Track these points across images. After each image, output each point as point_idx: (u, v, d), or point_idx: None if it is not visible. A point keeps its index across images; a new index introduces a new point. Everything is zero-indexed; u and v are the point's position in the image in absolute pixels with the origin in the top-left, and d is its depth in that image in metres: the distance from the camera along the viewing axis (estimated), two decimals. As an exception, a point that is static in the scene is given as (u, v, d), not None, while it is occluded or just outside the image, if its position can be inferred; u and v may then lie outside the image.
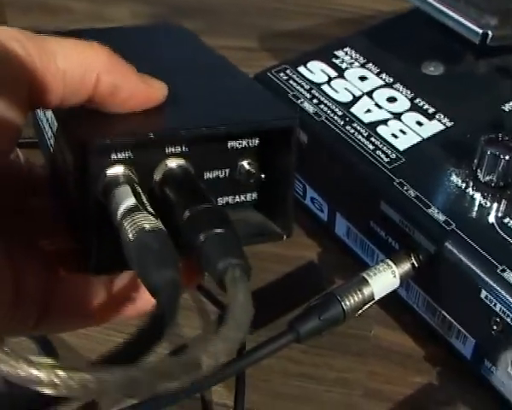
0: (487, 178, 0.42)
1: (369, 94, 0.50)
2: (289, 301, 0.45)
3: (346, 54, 0.53)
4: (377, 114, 0.48)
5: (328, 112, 0.48)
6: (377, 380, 0.43)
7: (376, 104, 0.49)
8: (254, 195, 0.31)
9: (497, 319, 0.38)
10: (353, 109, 0.48)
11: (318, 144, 0.47)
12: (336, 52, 0.53)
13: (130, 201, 0.26)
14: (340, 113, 0.48)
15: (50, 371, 0.18)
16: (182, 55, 0.36)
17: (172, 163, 0.28)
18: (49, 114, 0.31)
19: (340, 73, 0.51)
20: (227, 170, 0.30)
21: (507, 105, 0.49)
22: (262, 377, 0.43)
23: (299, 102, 0.49)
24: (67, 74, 0.26)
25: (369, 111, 0.48)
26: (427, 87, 0.50)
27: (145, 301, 0.30)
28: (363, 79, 0.51)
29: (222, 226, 0.25)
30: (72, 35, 0.27)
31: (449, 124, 0.47)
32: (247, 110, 0.30)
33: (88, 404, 0.26)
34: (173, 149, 0.28)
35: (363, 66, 0.52)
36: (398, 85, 0.50)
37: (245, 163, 0.30)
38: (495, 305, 0.38)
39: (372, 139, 0.46)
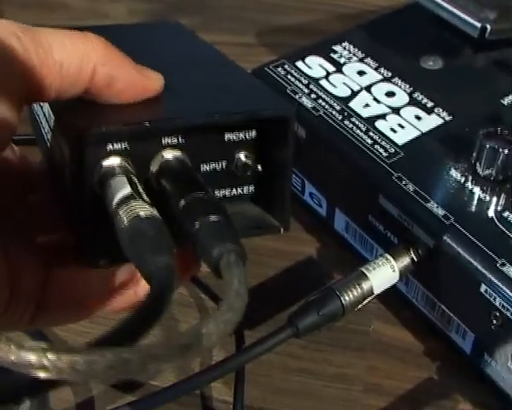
0: (486, 171, 0.42)
1: (368, 88, 0.49)
2: (288, 296, 0.45)
3: (345, 48, 0.53)
4: (376, 109, 0.48)
5: (327, 107, 0.48)
6: (377, 375, 0.43)
7: (375, 99, 0.49)
8: (251, 188, 0.31)
9: (497, 313, 0.38)
10: (352, 104, 0.48)
11: (317, 139, 0.47)
12: (334, 47, 0.53)
13: (126, 190, 0.25)
14: (338, 107, 0.48)
15: (40, 354, 0.18)
16: (179, 51, 0.36)
17: (169, 154, 0.28)
18: (46, 108, 0.31)
19: (339, 67, 0.51)
20: (224, 162, 0.30)
21: (506, 99, 0.48)
22: (261, 372, 0.43)
23: (297, 96, 0.49)
24: (64, 66, 0.26)
25: (367, 105, 0.48)
26: (426, 81, 0.50)
27: (143, 289, 0.30)
28: (361, 73, 0.51)
29: (217, 213, 0.25)
30: None
31: (448, 118, 0.47)
32: (244, 101, 0.30)
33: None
34: (170, 141, 0.28)
35: (361, 60, 0.52)
36: (396, 80, 0.50)
37: (242, 155, 0.30)
38: (494, 299, 0.38)
39: (370, 134, 0.46)
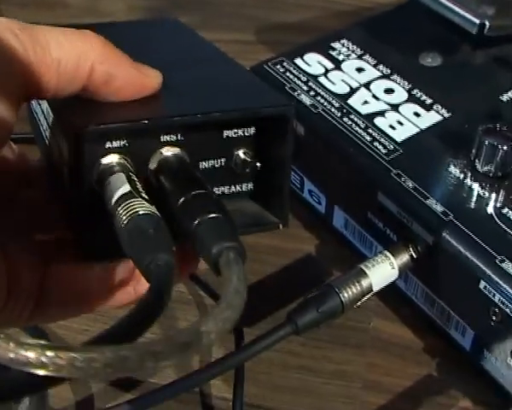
0: (485, 168, 0.42)
1: (367, 85, 0.49)
2: (287, 293, 0.45)
3: (343, 46, 0.53)
4: (374, 106, 0.48)
5: (325, 104, 0.48)
6: (376, 372, 0.43)
7: (374, 96, 0.49)
8: (250, 185, 0.31)
9: (496, 310, 0.38)
10: (350, 101, 0.48)
11: (315, 136, 0.47)
12: (333, 44, 0.53)
13: (125, 188, 0.26)
14: (337, 104, 0.48)
15: (39, 351, 0.18)
16: (178, 48, 0.36)
17: (168, 152, 0.28)
18: (45, 106, 0.31)
19: (337, 64, 0.51)
20: (223, 159, 0.30)
21: (505, 95, 0.48)
22: (261, 369, 0.43)
23: (295, 94, 0.49)
24: (61, 64, 0.26)
25: (366, 102, 0.48)
26: (425, 78, 0.50)
27: (143, 287, 0.30)
28: (360, 70, 0.51)
29: (216, 211, 0.25)
30: None
31: (446, 115, 0.47)
32: (243, 99, 0.30)
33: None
34: (168, 138, 0.28)
35: (360, 57, 0.52)
36: (395, 77, 0.50)
37: (241, 153, 0.30)
38: (494, 295, 0.38)
39: (369, 131, 0.46)
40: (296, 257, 0.49)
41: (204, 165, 0.30)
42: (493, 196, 0.41)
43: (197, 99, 0.30)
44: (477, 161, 0.42)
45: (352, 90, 0.49)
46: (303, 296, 0.39)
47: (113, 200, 0.25)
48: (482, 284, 0.38)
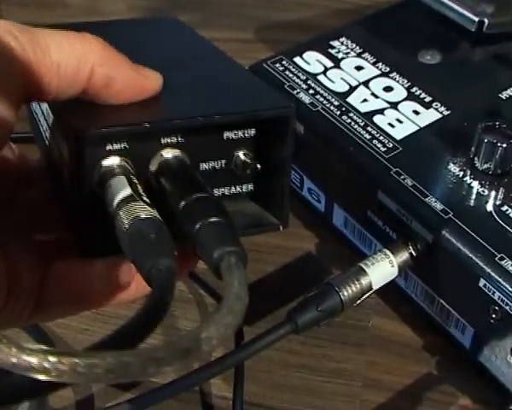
0: (485, 166, 0.42)
1: (366, 84, 0.49)
2: (287, 292, 0.45)
3: (342, 44, 0.53)
4: (374, 104, 0.48)
5: (325, 102, 0.48)
6: (376, 370, 0.43)
7: (373, 94, 0.49)
8: (250, 186, 0.31)
9: (496, 308, 0.38)
10: (350, 99, 0.48)
11: (315, 135, 0.47)
12: (332, 42, 0.53)
13: (126, 191, 0.26)
14: (336, 103, 0.48)
15: (41, 357, 0.18)
16: (177, 47, 0.36)
17: (168, 154, 0.28)
18: (45, 106, 0.31)
19: (337, 63, 0.51)
20: (223, 161, 0.30)
21: (504, 93, 0.48)
22: (261, 368, 0.43)
23: (295, 92, 0.49)
24: (61, 67, 0.26)
25: (365, 101, 0.48)
26: (424, 76, 0.50)
27: (142, 285, 0.30)
28: (359, 68, 0.51)
29: (217, 215, 0.25)
30: (68, 29, 0.27)
31: (446, 112, 0.47)
32: (243, 100, 0.30)
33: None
34: (169, 140, 0.28)
35: (359, 55, 0.52)
36: (394, 75, 0.50)
37: (241, 154, 0.30)
38: (493, 293, 0.38)
39: (369, 129, 0.46)
40: (296, 256, 0.49)
41: (204, 166, 0.30)
42: (493, 193, 0.41)
43: (197, 101, 0.30)
44: (476, 158, 0.42)
45: (352, 89, 0.49)
46: (303, 295, 0.39)
47: (115, 203, 0.25)
48: (482, 282, 0.38)
